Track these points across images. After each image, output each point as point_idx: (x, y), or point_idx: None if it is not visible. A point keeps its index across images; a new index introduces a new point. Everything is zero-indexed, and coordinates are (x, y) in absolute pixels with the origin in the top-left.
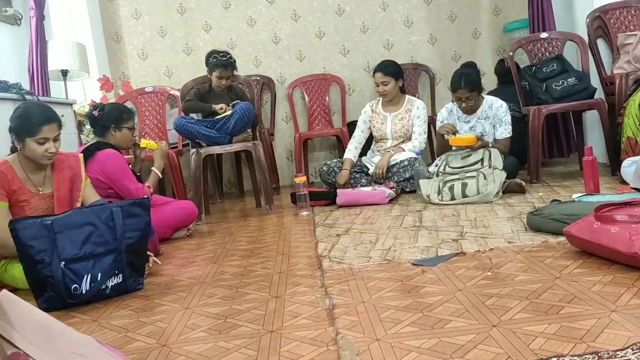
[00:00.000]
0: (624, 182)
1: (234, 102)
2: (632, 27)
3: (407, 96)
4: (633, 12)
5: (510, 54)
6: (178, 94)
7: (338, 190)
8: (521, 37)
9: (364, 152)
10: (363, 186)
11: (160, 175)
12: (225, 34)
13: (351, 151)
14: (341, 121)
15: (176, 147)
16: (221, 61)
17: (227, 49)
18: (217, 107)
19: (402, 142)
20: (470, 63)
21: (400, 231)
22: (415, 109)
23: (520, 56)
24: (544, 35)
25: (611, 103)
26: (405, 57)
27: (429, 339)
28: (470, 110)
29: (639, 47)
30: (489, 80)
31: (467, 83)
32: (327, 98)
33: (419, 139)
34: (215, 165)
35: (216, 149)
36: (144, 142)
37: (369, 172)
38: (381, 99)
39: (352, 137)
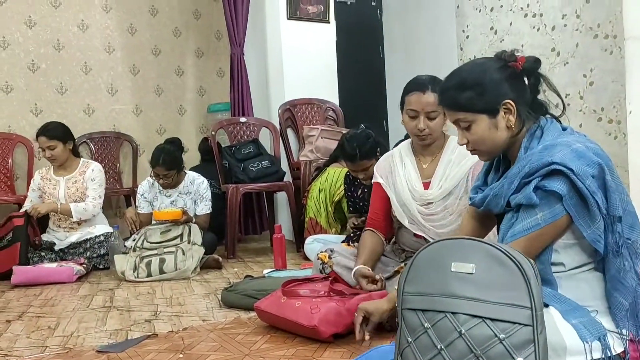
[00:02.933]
0: (306, 259)
1: None
2: (314, 121)
3: (82, 159)
4: (315, 108)
5: (213, 133)
6: None
7: (14, 268)
8: (223, 118)
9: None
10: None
11: None
12: None
13: None
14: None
15: None
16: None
17: None
18: None
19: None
20: (174, 139)
21: (87, 313)
22: (90, 171)
23: (222, 136)
24: (243, 119)
25: (297, 186)
26: (107, 125)
27: None
28: (169, 186)
29: (320, 139)
30: (193, 156)
31: (165, 161)
32: (10, 160)
33: (93, 203)
34: None
35: None
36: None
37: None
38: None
39: None
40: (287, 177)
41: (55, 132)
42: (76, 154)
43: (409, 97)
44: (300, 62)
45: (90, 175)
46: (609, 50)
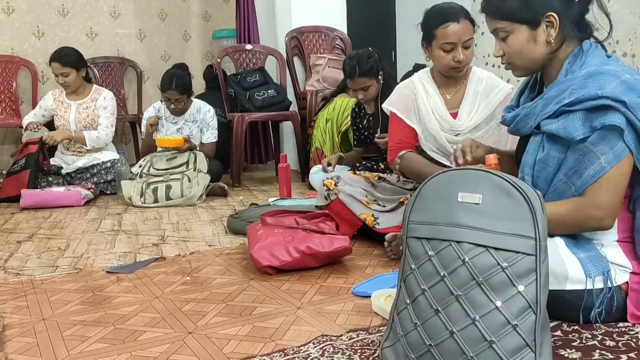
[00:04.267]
0: (311, 188)
1: None
2: (322, 50)
3: (95, 85)
4: (323, 37)
5: (218, 60)
6: None
7: (22, 191)
8: (229, 45)
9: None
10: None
11: None
12: None
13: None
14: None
15: None
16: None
17: None
18: None
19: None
20: (182, 65)
21: (96, 236)
22: (102, 99)
23: (227, 64)
24: (248, 47)
25: (303, 116)
26: (111, 50)
27: (119, 354)
28: (178, 112)
29: (327, 69)
30: (198, 83)
31: (177, 85)
32: (13, 84)
33: (106, 132)
34: None
35: None
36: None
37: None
38: None
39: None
40: (294, 107)
41: (69, 58)
42: (88, 79)
43: (442, 30)
44: None
45: (103, 103)
46: None
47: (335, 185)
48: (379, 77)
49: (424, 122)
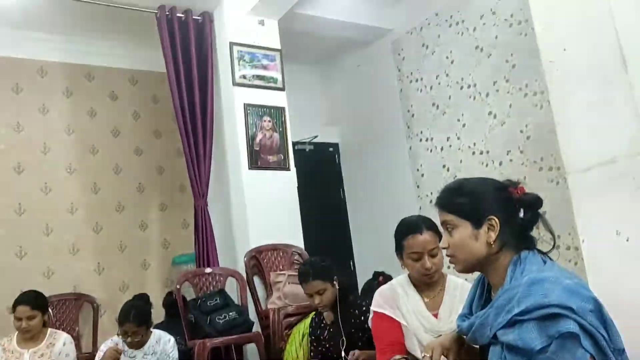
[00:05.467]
0: None
1: None
2: (281, 267)
3: (50, 329)
4: (281, 254)
5: (177, 287)
6: None
7: None
8: (188, 270)
9: None
10: None
11: None
12: None
13: None
14: None
15: None
16: None
17: None
18: None
19: None
20: (142, 295)
21: None
22: (62, 344)
23: (187, 289)
24: (208, 270)
25: (267, 335)
26: (67, 286)
27: None
28: (137, 345)
29: (288, 285)
30: (157, 311)
31: (135, 317)
32: None
33: None
34: None
35: None
36: None
37: None
38: (16, 333)
39: None
40: (256, 327)
41: (37, 301)
42: (45, 323)
43: (407, 241)
44: (263, 209)
45: (62, 349)
46: (555, 180)
47: None
48: (334, 281)
49: (405, 321)
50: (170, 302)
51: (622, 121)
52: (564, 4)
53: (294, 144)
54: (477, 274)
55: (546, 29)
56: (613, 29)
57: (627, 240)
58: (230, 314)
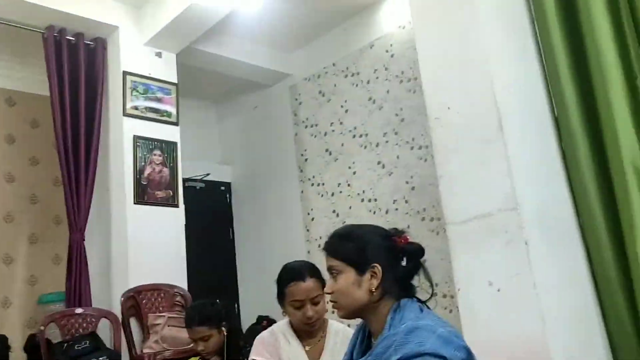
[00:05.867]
0: None
1: None
2: (161, 309)
3: None
4: (163, 294)
5: (42, 328)
6: None
7: None
8: (56, 310)
9: None
10: None
11: None
12: None
13: None
14: None
15: None
16: None
17: None
18: None
19: None
20: (0, 337)
21: None
22: None
23: (53, 331)
24: (79, 310)
25: None
26: None
27: None
28: None
29: (167, 328)
30: (17, 356)
31: None
32: None
33: None
34: None
35: None
36: None
37: None
38: None
39: None
40: None
41: None
42: None
43: (290, 289)
44: (146, 246)
45: None
46: (436, 231)
47: None
48: (222, 328)
49: None
50: (32, 345)
51: (497, 177)
52: (449, 66)
53: (184, 180)
54: (359, 320)
55: (433, 88)
56: (491, 92)
57: (499, 290)
58: (101, 358)
